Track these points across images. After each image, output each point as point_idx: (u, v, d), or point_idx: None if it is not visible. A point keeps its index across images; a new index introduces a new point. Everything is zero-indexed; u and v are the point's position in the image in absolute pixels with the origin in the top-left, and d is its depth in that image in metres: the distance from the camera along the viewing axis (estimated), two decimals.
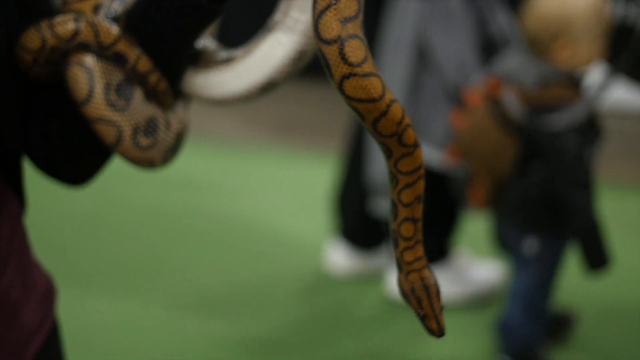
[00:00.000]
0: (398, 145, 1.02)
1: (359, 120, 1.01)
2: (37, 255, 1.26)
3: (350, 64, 0.97)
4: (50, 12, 1.13)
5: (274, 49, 1.15)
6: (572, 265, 2.85)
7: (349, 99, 0.99)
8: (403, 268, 1.07)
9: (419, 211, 1.06)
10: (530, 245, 2.53)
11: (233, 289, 3.03)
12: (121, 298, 2.93)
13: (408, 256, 1.07)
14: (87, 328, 2.72)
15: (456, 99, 2.74)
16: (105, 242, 3.34)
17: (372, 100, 0.98)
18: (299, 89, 5.45)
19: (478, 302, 2.98)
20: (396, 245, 1.07)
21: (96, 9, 1.14)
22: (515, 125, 2.47)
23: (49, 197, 3.03)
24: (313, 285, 3.11)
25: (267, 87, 1.17)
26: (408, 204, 1.05)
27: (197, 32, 1.14)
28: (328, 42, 0.97)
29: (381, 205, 2.93)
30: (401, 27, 2.81)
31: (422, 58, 2.80)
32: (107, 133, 1.13)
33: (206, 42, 1.21)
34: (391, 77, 2.80)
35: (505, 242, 2.62)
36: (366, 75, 0.97)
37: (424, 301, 1.06)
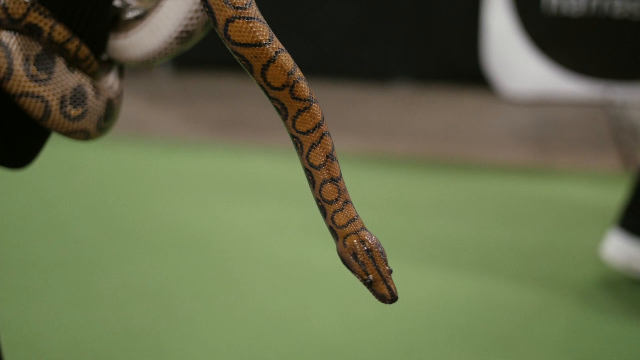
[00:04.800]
0: (291, 99, 0.97)
1: (248, 73, 0.96)
2: None
3: (234, 6, 0.93)
4: None
5: None
6: None
7: (235, 44, 0.94)
8: (338, 234, 0.99)
9: (335, 169, 0.99)
10: None
11: (177, 283, 2.98)
12: (62, 299, 2.86)
13: (340, 219, 0.99)
14: (27, 333, 2.65)
15: None
16: (43, 244, 3.27)
17: (259, 44, 0.94)
18: (238, 87, 5.42)
19: None
20: (325, 214, 1.00)
21: None
22: None
23: None
24: (293, 276, 3.08)
25: (184, 37, 1.13)
26: (320, 165, 0.99)
27: None
28: None
29: None
30: None
31: None
32: (33, 107, 1.09)
33: (124, 0, 1.18)
34: None
35: None
36: (251, 18, 0.94)
37: (368, 265, 0.97)
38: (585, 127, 4.77)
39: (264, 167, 4.07)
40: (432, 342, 2.59)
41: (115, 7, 1.16)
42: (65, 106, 1.10)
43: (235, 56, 0.96)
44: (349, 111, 5.03)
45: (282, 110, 0.98)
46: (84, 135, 1.14)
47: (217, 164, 4.17)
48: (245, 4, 0.94)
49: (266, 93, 0.97)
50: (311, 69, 5.45)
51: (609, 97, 5.17)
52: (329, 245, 3.22)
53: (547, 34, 5.27)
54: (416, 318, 2.70)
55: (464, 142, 4.53)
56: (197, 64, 5.66)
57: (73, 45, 1.10)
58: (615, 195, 3.60)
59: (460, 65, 5.47)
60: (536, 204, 3.69)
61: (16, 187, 3.65)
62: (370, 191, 3.78)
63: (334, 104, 5.11)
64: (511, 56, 5.29)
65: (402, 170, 4.09)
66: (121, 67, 1.22)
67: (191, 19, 1.12)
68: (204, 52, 4.52)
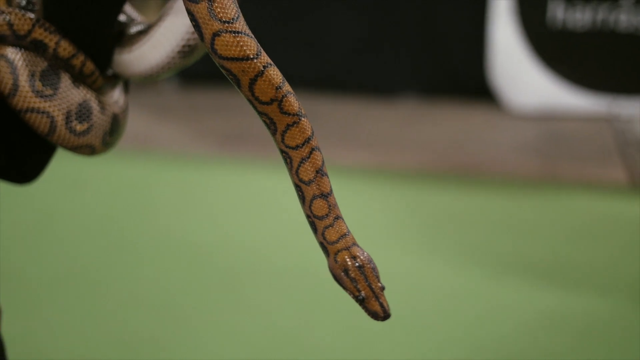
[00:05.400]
0: (280, 113, 0.96)
1: (236, 87, 0.96)
2: None
3: (220, 21, 0.93)
4: None
5: (184, 11, 1.12)
6: None
7: (222, 58, 0.94)
8: (329, 250, 0.99)
9: (325, 185, 0.98)
10: None
11: (185, 297, 2.98)
12: (68, 314, 2.87)
13: (331, 235, 0.98)
14: (32, 346, 2.66)
15: None
16: (50, 256, 3.27)
17: (247, 59, 0.93)
18: (245, 101, 5.42)
19: None
20: (315, 230, 0.99)
21: None
22: None
23: None
24: (297, 285, 3.08)
25: (186, 51, 1.14)
26: (310, 181, 0.98)
27: (115, 8, 1.11)
28: (196, 1, 0.93)
29: None
30: None
31: None
32: (39, 123, 1.10)
33: (129, 14, 1.19)
34: None
35: None
36: (238, 32, 0.93)
37: (360, 282, 0.96)
38: (591, 140, 4.77)
39: (270, 181, 4.07)
40: (439, 355, 2.59)
41: (120, 22, 1.17)
42: (71, 121, 1.11)
43: (223, 70, 0.95)
44: (355, 125, 5.03)
45: (271, 125, 0.97)
46: (89, 150, 1.15)
47: (224, 178, 4.18)
48: (232, 18, 0.93)
49: (255, 108, 0.97)
50: (317, 83, 5.46)
51: (615, 110, 5.17)
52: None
53: (552, 48, 5.27)
54: (423, 330, 2.70)
55: (470, 155, 4.53)
56: (203, 78, 5.67)
57: (78, 60, 1.11)
58: (621, 209, 3.60)
59: (466, 79, 5.48)
60: (542, 217, 3.69)
61: (22, 201, 3.66)
62: (376, 205, 3.78)
63: (340, 118, 5.12)
64: (517, 70, 5.29)
65: (409, 184, 4.09)
66: (126, 82, 1.23)
67: (193, 33, 1.12)
68: (210, 66, 4.53)
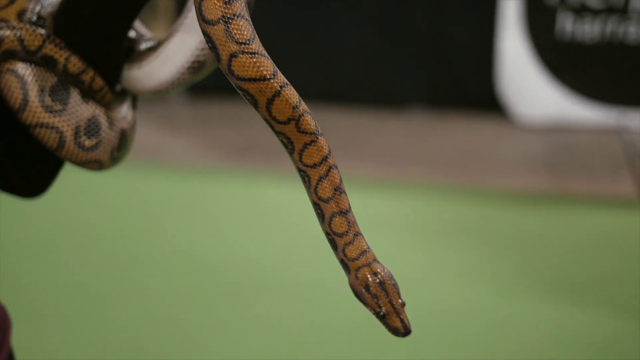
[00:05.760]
0: (297, 132, 0.96)
1: (254, 108, 0.96)
2: None
3: (237, 42, 0.93)
4: None
5: (193, 27, 1.12)
6: None
7: (239, 79, 0.94)
8: (350, 266, 0.99)
9: (344, 202, 0.99)
10: None
11: (192, 309, 2.98)
12: (76, 327, 2.87)
13: (351, 252, 0.98)
14: (42, 358, 2.66)
15: None
16: (59, 270, 3.27)
17: (264, 79, 0.94)
18: (253, 113, 5.43)
19: None
20: (335, 247, 0.99)
21: (20, 14, 1.11)
22: None
23: None
24: (301, 296, 3.07)
25: (196, 67, 1.14)
26: (329, 199, 0.98)
27: (125, 24, 1.11)
28: (212, 23, 0.93)
29: None
30: None
31: None
32: (48, 138, 1.10)
33: (139, 30, 1.19)
34: None
35: None
36: (255, 53, 0.93)
37: (381, 298, 0.97)
38: (600, 153, 4.76)
39: (279, 193, 4.07)
40: None
41: (129, 39, 1.17)
42: (80, 137, 1.11)
43: (240, 91, 0.95)
44: (363, 138, 5.03)
45: (289, 145, 0.97)
46: (97, 165, 1.15)
47: (232, 190, 4.18)
48: (249, 39, 0.94)
49: (272, 128, 0.97)
50: (326, 96, 5.46)
51: (624, 122, 5.16)
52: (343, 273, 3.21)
53: (561, 60, 5.27)
54: (430, 344, 2.69)
55: (478, 168, 4.53)
56: (211, 90, 5.68)
57: (88, 76, 1.11)
58: (631, 222, 3.59)
59: (474, 92, 5.48)
60: (550, 230, 3.68)
61: (30, 212, 3.66)
62: (384, 217, 3.78)
63: (349, 130, 5.12)
64: (525, 82, 5.29)
65: (417, 197, 4.09)
66: (135, 98, 1.23)
67: (202, 49, 1.13)
68: (218, 78, 4.54)
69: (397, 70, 5.58)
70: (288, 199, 3.95)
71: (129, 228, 3.69)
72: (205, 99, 5.76)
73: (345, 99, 5.59)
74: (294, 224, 3.72)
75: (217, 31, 0.93)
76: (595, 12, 5.21)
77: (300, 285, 3.13)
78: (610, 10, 5.19)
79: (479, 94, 5.46)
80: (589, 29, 5.22)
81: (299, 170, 0.98)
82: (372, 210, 3.80)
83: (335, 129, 5.04)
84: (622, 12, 5.19)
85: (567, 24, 5.24)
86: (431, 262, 3.31)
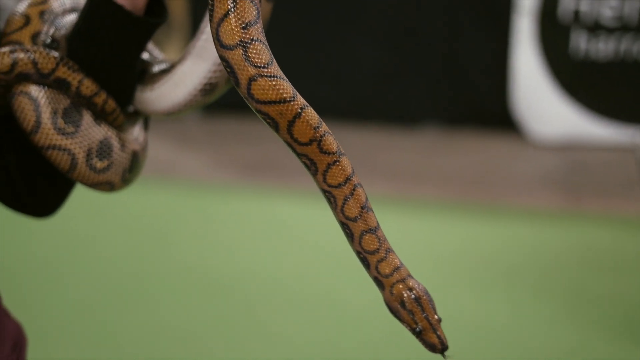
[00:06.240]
0: (320, 153, 0.96)
1: (274, 131, 0.95)
2: (4, 302, 1.23)
3: (256, 66, 0.93)
4: None
5: (206, 50, 1.12)
6: None
7: (259, 103, 0.93)
8: (384, 283, 0.98)
9: (372, 219, 0.99)
10: None
11: (205, 326, 2.98)
12: (90, 344, 2.87)
13: (384, 268, 0.99)
14: None
15: None
16: (72, 287, 3.28)
17: (284, 101, 0.93)
18: (267, 130, 5.44)
19: None
20: (368, 265, 0.99)
21: (35, 36, 1.12)
22: None
23: (11, 241, 2.99)
24: (322, 314, 3.07)
25: (208, 89, 1.15)
26: (357, 217, 0.98)
27: (138, 48, 1.12)
28: (230, 48, 0.93)
29: None
30: None
31: None
32: (60, 160, 1.11)
33: (152, 53, 1.20)
34: None
35: None
36: (274, 76, 0.93)
37: (417, 314, 0.97)
38: (615, 171, 4.75)
39: (292, 210, 4.07)
40: None
41: (143, 61, 1.18)
42: (92, 159, 1.12)
43: (260, 115, 0.95)
44: (377, 155, 5.03)
45: (312, 166, 0.97)
46: (108, 187, 1.15)
47: (246, 207, 4.18)
48: (267, 63, 0.94)
49: (294, 150, 0.96)
50: (339, 113, 5.47)
51: (638, 140, 5.15)
52: (359, 289, 3.22)
53: (575, 78, 5.26)
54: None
55: (492, 186, 4.52)
56: (225, 107, 5.70)
57: (100, 99, 1.12)
58: None
59: (488, 109, 5.47)
60: (565, 248, 3.67)
61: (43, 228, 3.67)
62: (398, 235, 3.77)
63: (362, 148, 5.12)
64: (539, 100, 5.28)
65: (431, 215, 4.08)
66: (146, 119, 1.24)
67: (214, 72, 1.13)
68: (232, 95, 4.55)
69: (411, 88, 5.58)
70: (302, 216, 3.95)
71: (142, 244, 3.70)
72: (219, 115, 5.77)
73: (359, 116, 5.60)
74: (307, 240, 3.72)
75: (236, 56, 0.93)
76: (609, 30, 5.20)
77: (314, 302, 3.12)
78: (624, 28, 5.18)
79: (493, 112, 5.45)
80: (603, 47, 5.22)
81: (324, 191, 0.98)
82: (386, 228, 3.79)
83: (349, 146, 5.03)
84: (636, 30, 5.18)
85: (581, 42, 5.23)
86: (444, 280, 3.30)
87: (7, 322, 1.22)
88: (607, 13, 5.19)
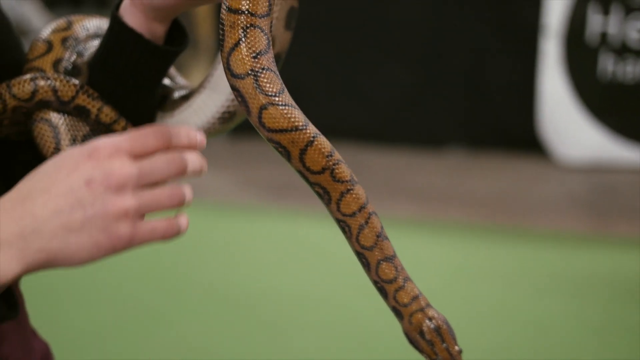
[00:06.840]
0: (333, 182, 0.94)
1: (286, 160, 0.94)
2: (32, 321, 1.24)
3: (267, 94, 0.93)
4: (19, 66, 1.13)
5: (223, 79, 1.12)
6: None
7: (270, 131, 0.93)
8: (403, 312, 0.96)
9: (388, 248, 0.97)
10: None
11: (230, 346, 2.98)
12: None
13: (403, 298, 0.96)
14: None
15: None
16: (98, 306, 3.29)
17: (296, 129, 0.93)
18: None
19: None
20: (385, 294, 0.96)
21: (56, 63, 1.13)
22: None
23: None
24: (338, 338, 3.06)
25: (226, 117, 1.15)
26: (372, 246, 0.96)
27: (158, 76, 1.12)
28: (241, 77, 0.93)
29: None
30: None
31: None
32: None
33: (173, 78, 1.20)
34: None
35: None
36: (285, 105, 0.93)
37: (437, 344, 0.94)
38: None
39: (318, 231, 4.07)
40: None
41: (164, 86, 1.18)
42: None
43: (271, 144, 0.95)
44: (402, 177, 5.02)
45: (325, 195, 0.96)
46: None
47: (271, 228, 4.18)
48: (278, 92, 0.93)
49: (306, 179, 0.95)
50: (365, 135, 5.47)
51: None
52: (384, 312, 3.20)
53: (602, 100, 5.23)
54: None
55: (518, 208, 4.49)
56: (251, 128, 5.70)
57: (120, 126, 1.12)
58: None
59: (514, 131, 5.45)
60: (593, 272, 3.63)
61: None
62: (424, 258, 3.76)
63: (388, 169, 5.11)
64: (566, 122, 5.26)
65: (457, 237, 4.06)
66: None
67: (233, 100, 1.13)
68: None
69: (436, 110, 5.57)
70: (327, 237, 3.93)
71: (168, 264, 3.71)
72: (244, 136, 5.79)
73: (384, 138, 5.59)
74: (332, 262, 3.71)
75: (246, 85, 0.93)
76: (636, 53, 5.17)
77: (338, 324, 3.11)
78: None
79: (519, 134, 5.43)
80: (631, 70, 5.18)
81: (338, 220, 0.96)
82: (410, 251, 3.78)
83: (373, 168, 5.03)
84: None
85: (608, 65, 5.20)
86: (471, 304, 3.28)
87: (35, 341, 1.22)
88: (634, 35, 5.16)
